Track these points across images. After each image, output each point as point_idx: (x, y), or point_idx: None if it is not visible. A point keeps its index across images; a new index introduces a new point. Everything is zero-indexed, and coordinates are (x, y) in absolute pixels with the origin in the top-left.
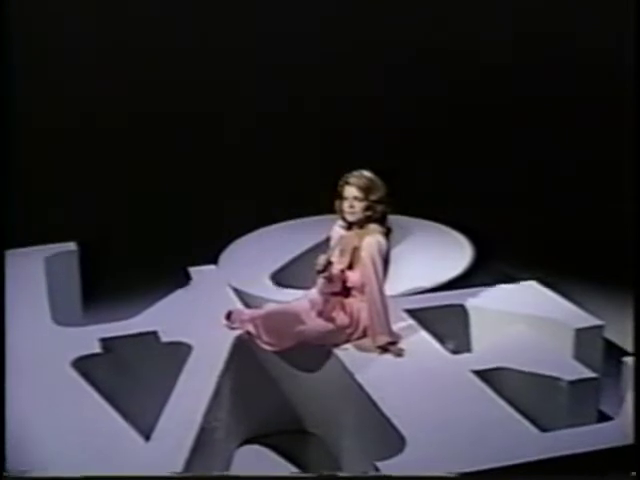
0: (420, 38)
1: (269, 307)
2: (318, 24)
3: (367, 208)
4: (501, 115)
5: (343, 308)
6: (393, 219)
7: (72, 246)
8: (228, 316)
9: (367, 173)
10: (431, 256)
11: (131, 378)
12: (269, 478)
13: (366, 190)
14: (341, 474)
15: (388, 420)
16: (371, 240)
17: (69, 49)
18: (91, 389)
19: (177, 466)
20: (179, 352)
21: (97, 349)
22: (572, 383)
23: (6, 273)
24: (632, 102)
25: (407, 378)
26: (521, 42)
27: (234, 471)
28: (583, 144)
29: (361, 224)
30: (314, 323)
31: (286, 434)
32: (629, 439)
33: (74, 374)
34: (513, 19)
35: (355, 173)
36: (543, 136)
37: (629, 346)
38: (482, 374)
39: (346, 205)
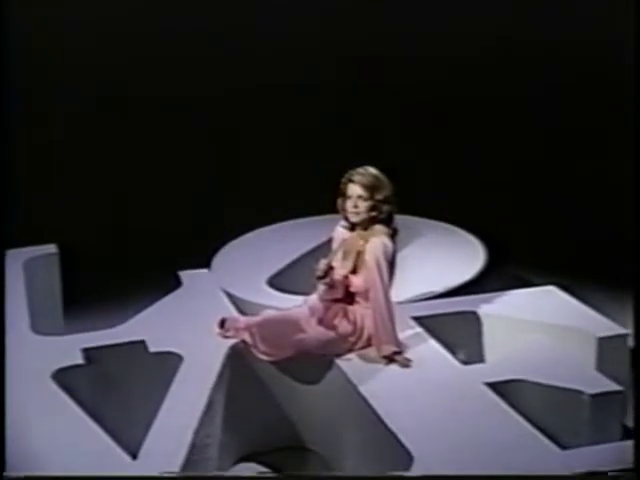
0: (422, 38)
1: (266, 314)
2: (318, 22)
3: (372, 208)
4: (513, 113)
5: (346, 315)
6: (400, 219)
7: (52, 248)
8: (222, 324)
9: (372, 170)
10: (441, 259)
11: (116, 391)
12: (269, 478)
13: (371, 189)
14: (341, 474)
15: (394, 436)
16: (376, 242)
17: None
18: (73, 403)
19: None
20: (168, 363)
21: (79, 360)
22: (595, 396)
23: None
24: (633, 102)
25: (415, 390)
26: (522, 41)
27: None
28: (589, 143)
29: (365, 225)
30: (314, 331)
31: (284, 451)
32: None
33: (54, 387)
34: (513, 19)
35: (359, 170)
36: (551, 136)
37: None
38: (496, 386)
39: (349, 204)
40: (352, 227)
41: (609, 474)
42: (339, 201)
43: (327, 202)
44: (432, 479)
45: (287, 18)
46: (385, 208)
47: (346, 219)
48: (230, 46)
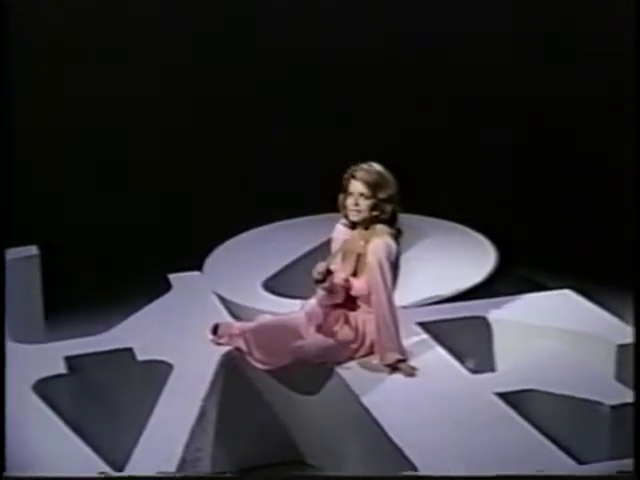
0: (423, 37)
1: (262, 319)
2: (318, 18)
3: (374, 207)
4: (526, 111)
5: (347, 321)
6: (404, 218)
7: (33, 250)
8: (214, 330)
9: (377, 167)
10: (448, 260)
11: (102, 403)
12: (269, 477)
13: (374, 187)
14: (341, 474)
15: (398, 449)
16: (378, 242)
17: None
18: (55, 416)
19: None
20: (157, 372)
21: (62, 369)
22: (614, 408)
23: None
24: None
25: (420, 401)
26: (522, 40)
27: None
28: (603, 144)
29: (366, 224)
30: (313, 338)
31: (281, 466)
32: None
33: (35, 398)
34: (513, 18)
35: (364, 166)
36: (558, 136)
37: None
38: (507, 397)
39: (350, 202)
40: (353, 225)
41: (609, 476)
42: (340, 197)
43: (326, 201)
44: (433, 479)
45: (287, 13)
46: (388, 208)
47: (347, 217)
48: (228, 45)
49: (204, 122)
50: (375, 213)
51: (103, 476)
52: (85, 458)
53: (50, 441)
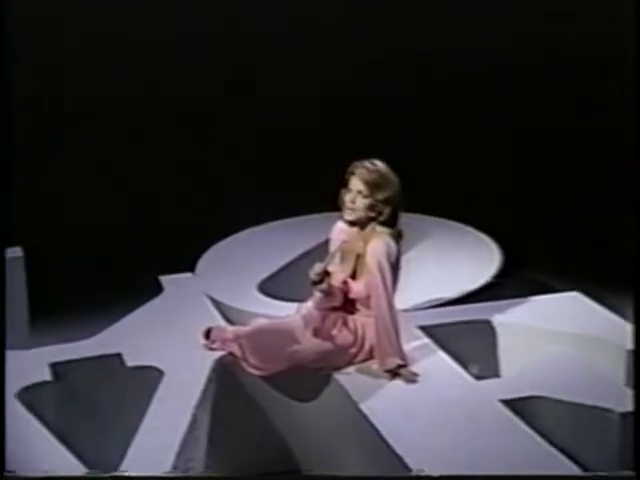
0: (424, 36)
1: (256, 323)
2: (318, 19)
3: (370, 207)
4: (530, 111)
5: (345, 324)
6: (406, 218)
7: (17, 251)
8: (207, 334)
9: (380, 166)
10: (450, 262)
11: (89, 411)
12: (268, 477)
13: (373, 186)
14: (342, 474)
15: (399, 458)
16: (378, 243)
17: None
18: (40, 425)
19: None
20: (148, 378)
21: (47, 376)
22: (624, 415)
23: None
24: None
25: (421, 408)
26: (522, 39)
27: None
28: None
29: (362, 224)
30: (310, 342)
31: (277, 475)
32: None
33: (19, 407)
34: (513, 17)
35: (366, 163)
36: (568, 135)
37: None
38: (513, 404)
39: (348, 199)
40: (353, 223)
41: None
42: (342, 192)
43: (324, 200)
44: (433, 479)
45: (289, 16)
46: (386, 210)
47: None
48: (226, 44)
49: (203, 122)
50: (371, 214)
51: (102, 475)
52: (72, 469)
53: (35, 451)
